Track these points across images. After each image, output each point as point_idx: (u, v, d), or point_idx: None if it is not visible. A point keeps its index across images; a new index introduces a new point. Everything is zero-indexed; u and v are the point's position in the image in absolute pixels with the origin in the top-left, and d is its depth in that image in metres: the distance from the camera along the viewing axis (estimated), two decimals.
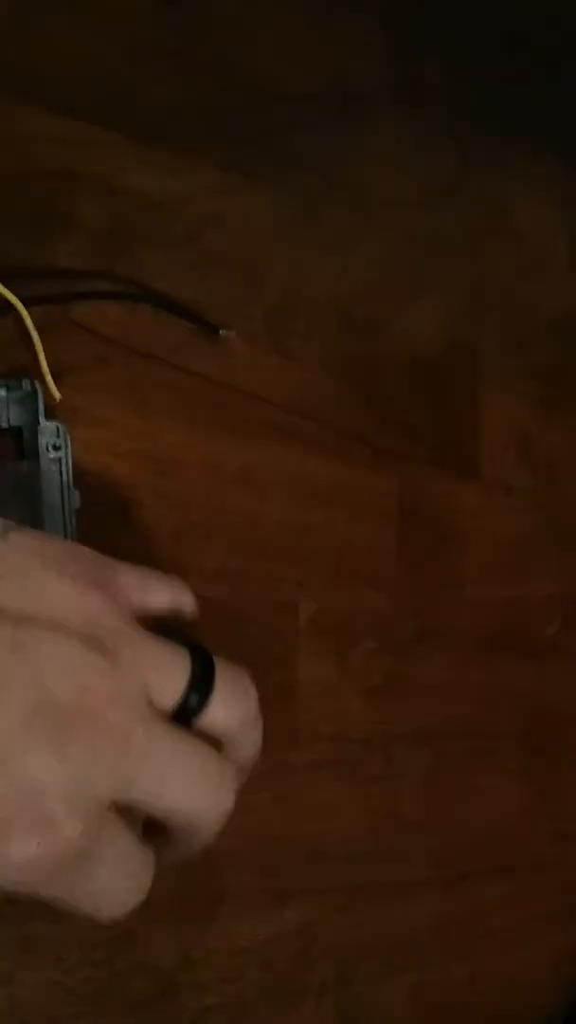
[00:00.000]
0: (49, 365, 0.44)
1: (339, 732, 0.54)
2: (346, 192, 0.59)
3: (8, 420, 0.43)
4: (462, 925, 0.59)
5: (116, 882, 0.28)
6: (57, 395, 0.43)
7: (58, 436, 0.43)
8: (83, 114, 0.49)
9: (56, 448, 0.43)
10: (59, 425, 0.43)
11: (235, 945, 0.49)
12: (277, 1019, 0.51)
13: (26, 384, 0.43)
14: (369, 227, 0.59)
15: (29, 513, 0.42)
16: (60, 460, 0.43)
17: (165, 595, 0.34)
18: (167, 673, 0.29)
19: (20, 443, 0.43)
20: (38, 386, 0.43)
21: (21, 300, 0.42)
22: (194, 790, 0.29)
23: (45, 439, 0.43)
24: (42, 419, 0.43)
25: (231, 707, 0.31)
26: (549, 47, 0.70)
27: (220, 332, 0.51)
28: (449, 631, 0.60)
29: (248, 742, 0.32)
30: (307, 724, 0.53)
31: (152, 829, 0.30)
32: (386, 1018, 0.55)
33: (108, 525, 0.47)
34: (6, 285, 0.42)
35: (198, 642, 0.32)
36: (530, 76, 0.68)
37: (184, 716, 0.30)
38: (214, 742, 0.31)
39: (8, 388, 0.43)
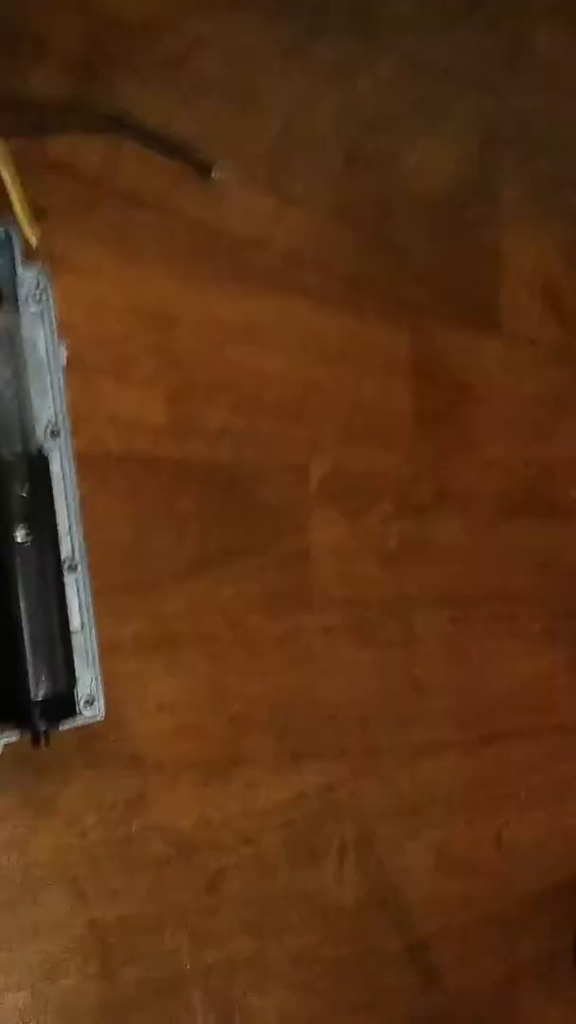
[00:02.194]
0: (27, 206, 0.40)
1: (355, 596, 0.53)
2: (351, 12, 0.53)
3: None
4: (487, 786, 0.58)
5: None
6: (34, 240, 0.40)
7: (38, 287, 0.40)
8: None
9: (37, 300, 0.40)
10: (39, 274, 0.40)
11: (253, 806, 0.49)
12: (298, 879, 0.51)
13: (0, 226, 0.39)
14: (376, 51, 0.54)
15: (11, 369, 0.39)
16: (42, 312, 0.40)
17: None
18: None
19: None
20: (12, 231, 0.40)
21: None
22: None
23: (24, 289, 0.40)
24: (19, 268, 0.40)
25: None
26: None
27: (213, 172, 0.47)
28: (468, 493, 0.57)
29: None
30: (322, 588, 0.51)
31: None
32: (409, 878, 0.55)
33: (99, 384, 0.44)
34: None
35: None
36: None
37: None
38: None
39: None
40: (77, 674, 0.40)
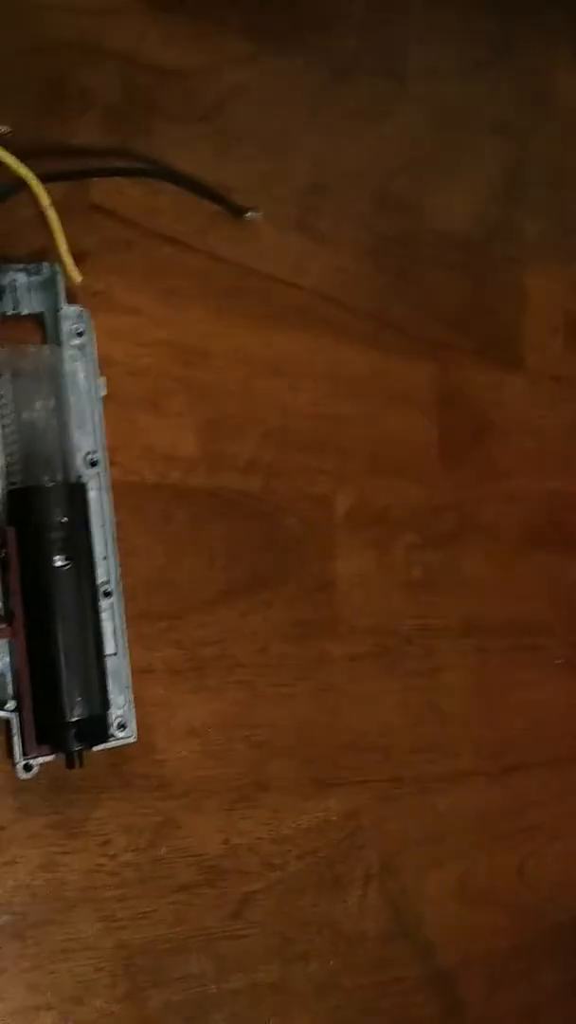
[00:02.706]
0: (69, 249, 0.42)
1: (380, 625, 0.53)
2: (380, 59, 0.55)
3: (29, 305, 0.41)
4: (510, 817, 0.59)
5: None
6: (77, 277, 0.42)
7: (80, 321, 0.42)
8: None
9: (79, 334, 0.42)
10: (81, 309, 0.42)
11: (278, 833, 0.49)
12: (323, 906, 0.51)
13: (45, 268, 0.41)
14: (404, 97, 0.56)
15: (54, 400, 0.41)
16: (84, 346, 0.42)
17: None
18: None
19: (42, 329, 0.42)
20: (57, 269, 0.41)
21: (37, 178, 0.40)
22: None
23: (67, 324, 0.42)
24: (63, 304, 0.42)
25: None
26: None
27: (247, 214, 0.49)
28: (491, 525, 0.58)
29: None
30: (347, 617, 0.52)
31: None
32: (433, 907, 0.55)
33: (135, 416, 0.46)
34: (21, 162, 0.40)
35: None
36: None
37: None
38: None
39: (27, 272, 0.41)
40: (111, 698, 0.42)
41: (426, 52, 0.57)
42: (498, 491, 0.59)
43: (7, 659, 0.40)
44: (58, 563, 0.39)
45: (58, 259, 0.41)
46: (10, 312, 0.41)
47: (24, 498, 0.40)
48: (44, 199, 0.40)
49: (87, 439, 0.42)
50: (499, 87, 0.60)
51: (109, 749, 0.42)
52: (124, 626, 0.43)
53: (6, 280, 0.41)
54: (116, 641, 0.42)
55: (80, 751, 0.40)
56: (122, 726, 0.42)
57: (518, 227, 0.61)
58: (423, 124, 0.57)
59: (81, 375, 0.42)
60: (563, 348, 0.61)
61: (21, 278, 0.41)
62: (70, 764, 0.40)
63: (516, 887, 0.59)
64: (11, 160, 0.39)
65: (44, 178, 0.40)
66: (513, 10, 0.60)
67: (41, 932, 0.43)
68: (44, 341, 0.42)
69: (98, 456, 0.42)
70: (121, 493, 0.44)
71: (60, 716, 0.39)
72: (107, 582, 0.42)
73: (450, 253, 0.57)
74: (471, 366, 0.58)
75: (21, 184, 0.40)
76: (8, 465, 0.40)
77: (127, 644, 0.43)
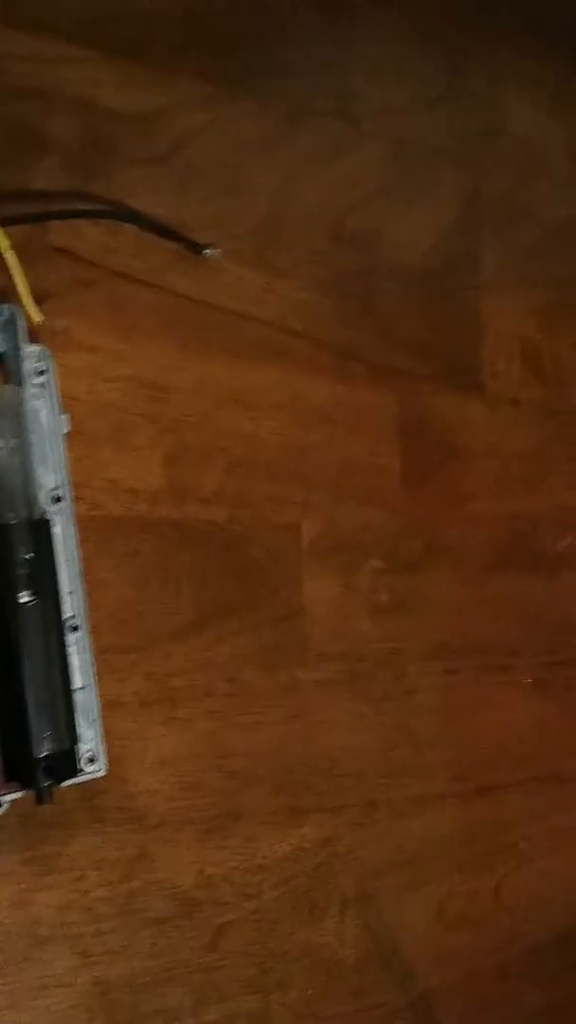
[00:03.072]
0: (30, 290, 0.43)
1: (349, 650, 0.54)
2: (334, 100, 0.57)
3: None
4: (485, 838, 0.59)
5: None
6: (38, 317, 0.42)
7: (41, 360, 0.43)
8: (55, 31, 0.47)
9: (41, 372, 0.43)
10: (42, 349, 0.43)
11: (253, 862, 0.50)
12: (299, 935, 0.51)
13: (6, 309, 0.42)
14: (359, 136, 0.57)
15: (17, 438, 0.42)
16: (45, 384, 0.43)
17: None
18: None
19: (3, 369, 0.42)
20: (16, 310, 0.42)
21: None
22: None
23: (28, 364, 0.42)
24: (23, 344, 0.42)
25: None
26: None
27: (205, 251, 0.50)
28: (457, 548, 0.59)
29: None
30: (316, 644, 0.53)
31: None
32: (410, 931, 0.55)
33: (98, 451, 0.46)
34: None
35: None
36: None
37: None
38: None
39: None
40: (79, 732, 0.42)
41: (378, 91, 0.58)
42: (462, 515, 0.60)
43: None
44: (23, 599, 0.40)
45: (18, 300, 0.42)
46: None
47: None
48: (3, 242, 0.41)
49: (50, 475, 0.42)
50: (451, 122, 0.62)
51: (80, 784, 0.42)
52: (92, 660, 0.43)
53: None
54: (84, 675, 0.43)
55: (49, 786, 0.40)
56: (92, 760, 0.43)
57: (474, 257, 0.62)
58: (378, 160, 0.58)
59: (43, 413, 0.42)
60: (521, 373, 0.63)
61: None
62: (40, 800, 0.40)
63: (493, 909, 0.59)
64: None
65: (4, 222, 0.41)
66: (461, 47, 0.62)
67: (16, 969, 0.43)
68: (5, 380, 0.42)
69: (62, 492, 0.43)
70: (87, 527, 0.44)
71: (28, 752, 0.39)
72: (73, 616, 0.42)
73: (408, 284, 0.59)
74: (432, 393, 0.59)
75: None
76: None
77: (95, 677, 0.43)
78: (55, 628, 0.41)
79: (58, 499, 0.43)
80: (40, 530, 0.41)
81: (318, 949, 0.52)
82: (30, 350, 0.42)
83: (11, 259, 0.41)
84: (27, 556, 0.40)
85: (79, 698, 0.42)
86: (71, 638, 0.42)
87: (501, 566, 0.61)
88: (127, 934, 0.45)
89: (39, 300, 0.43)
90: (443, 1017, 0.56)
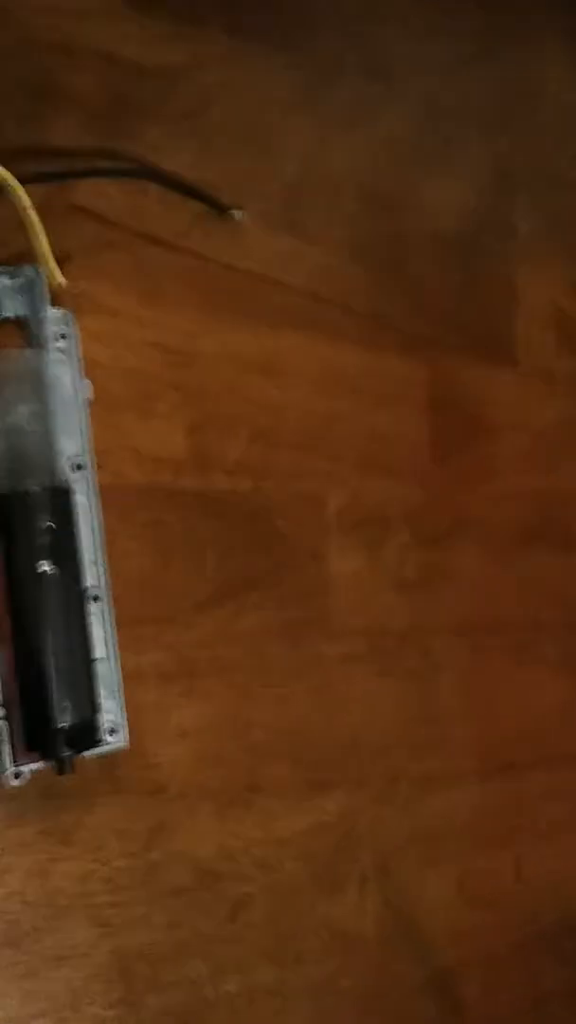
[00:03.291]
0: (51, 251, 0.42)
1: (373, 625, 0.53)
2: (365, 58, 0.55)
3: (11, 308, 0.41)
4: (505, 815, 0.58)
5: None
6: (61, 280, 0.41)
7: (65, 324, 0.42)
8: None
9: (63, 337, 0.42)
10: (65, 312, 0.42)
11: (273, 835, 0.49)
12: (319, 908, 0.51)
13: (28, 271, 0.41)
14: (390, 95, 0.56)
15: (39, 404, 0.41)
16: (67, 349, 0.42)
17: None
18: None
19: (25, 333, 0.41)
20: (40, 272, 0.41)
21: (17, 179, 0.40)
22: None
23: (51, 328, 0.41)
24: (46, 307, 0.41)
25: None
26: None
27: (232, 213, 0.48)
28: (484, 523, 0.58)
29: None
30: (340, 617, 0.52)
31: None
32: (430, 907, 0.55)
33: (121, 418, 0.46)
34: (1, 164, 0.40)
35: None
36: None
37: None
38: None
39: (9, 275, 0.41)
40: (101, 703, 0.41)
41: (411, 50, 0.56)
42: (490, 489, 0.58)
43: None
44: (44, 568, 0.39)
45: (40, 261, 0.41)
46: None
47: (8, 504, 0.39)
48: (25, 200, 0.39)
49: (72, 443, 0.41)
50: (486, 83, 0.60)
51: (100, 754, 0.42)
52: (113, 630, 0.42)
53: None
54: (105, 645, 0.42)
55: (70, 757, 0.40)
56: (113, 731, 0.42)
57: (508, 223, 0.60)
58: (410, 122, 0.56)
59: (65, 378, 0.42)
60: (555, 344, 0.61)
61: (3, 281, 0.41)
62: (60, 770, 0.40)
63: (513, 886, 0.58)
64: None
65: (25, 180, 0.40)
66: (497, 5, 0.60)
67: (35, 939, 0.43)
68: (27, 345, 0.41)
69: (84, 460, 0.42)
70: (109, 496, 0.44)
71: (49, 722, 0.39)
72: (95, 586, 0.42)
73: (440, 250, 0.57)
74: (462, 363, 0.57)
75: (2, 187, 0.40)
76: None
77: (117, 648, 0.42)
78: (76, 598, 0.40)
79: (80, 467, 0.42)
80: (61, 498, 0.40)
81: (337, 923, 0.51)
82: (52, 313, 0.41)
83: (32, 218, 0.40)
84: (48, 525, 0.40)
85: (100, 669, 0.42)
86: (92, 608, 0.42)
87: (529, 543, 0.59)
88: (146, 905, 0.45)
89: (60, 262, 0.42)
90: (462, 993, 0.56)
